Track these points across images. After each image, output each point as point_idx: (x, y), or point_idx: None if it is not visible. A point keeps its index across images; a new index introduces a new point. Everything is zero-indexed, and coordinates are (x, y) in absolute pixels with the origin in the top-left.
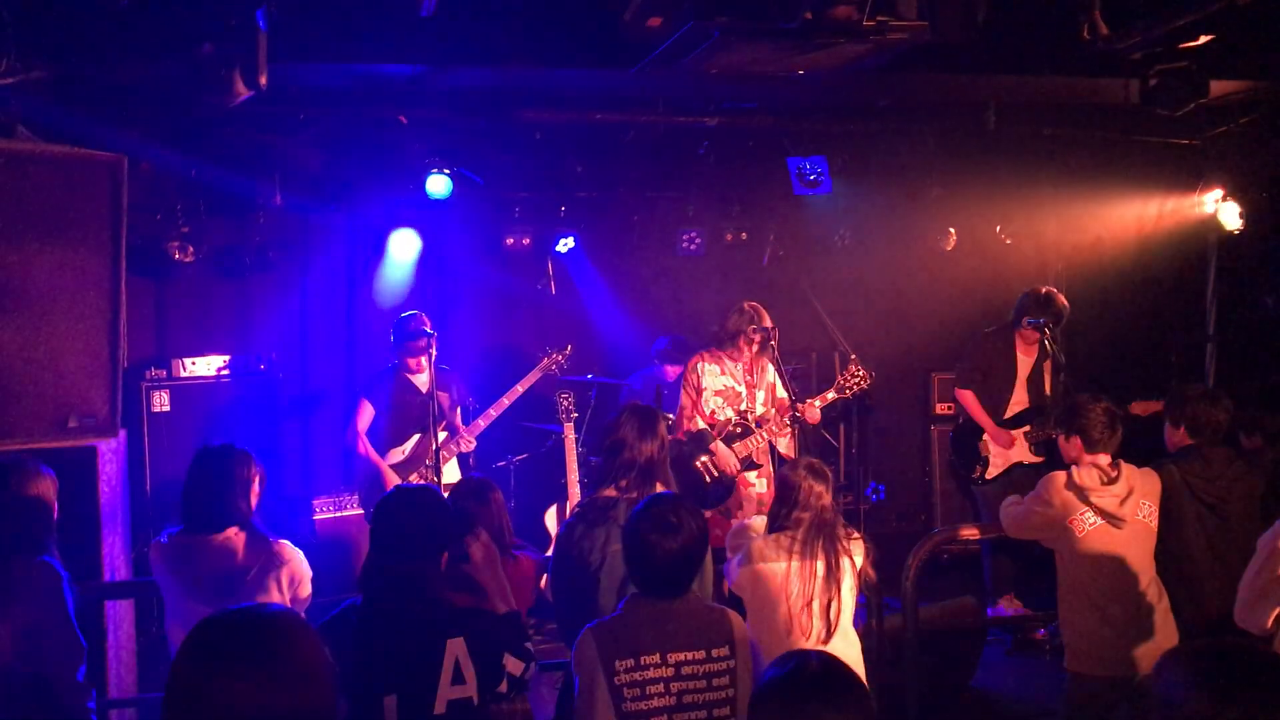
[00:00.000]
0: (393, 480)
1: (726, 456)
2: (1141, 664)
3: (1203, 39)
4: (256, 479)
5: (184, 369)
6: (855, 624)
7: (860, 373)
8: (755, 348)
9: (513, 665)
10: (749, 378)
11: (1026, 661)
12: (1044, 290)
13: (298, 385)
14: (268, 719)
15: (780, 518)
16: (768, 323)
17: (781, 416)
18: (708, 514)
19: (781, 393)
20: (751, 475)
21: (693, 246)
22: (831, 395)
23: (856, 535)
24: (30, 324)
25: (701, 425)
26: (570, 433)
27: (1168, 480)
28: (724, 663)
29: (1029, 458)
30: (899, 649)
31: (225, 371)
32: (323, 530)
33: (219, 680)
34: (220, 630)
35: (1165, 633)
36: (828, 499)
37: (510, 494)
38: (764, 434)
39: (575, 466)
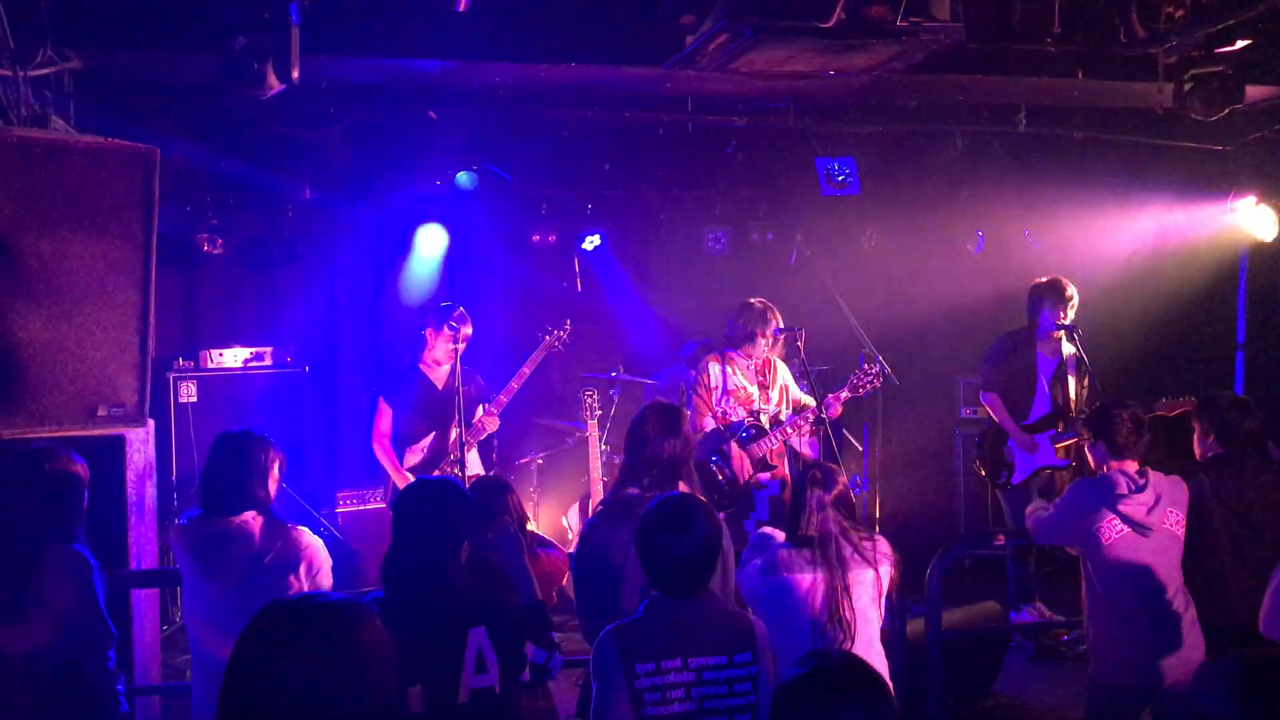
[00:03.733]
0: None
1: (740, 459)
2: (1167, 674)
3: (1239, 44)
4: (276, 465)
5: (211, 360)
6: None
7: (873, 370)
8: (767, 344)
9: (535, 654)
10: (761, 378)
11: (1050, 668)
12: (1048, 278)
13: (324, 378)
14: (329, 705)
15: (795, 529)
16: (778, 319)
17: (799, 416)
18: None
19: (797, 393)
20: (764, 477)
21: (719, 245)
22: (845, 394)
23: (878, 537)
24: (62, 313)
25: (715, 425)
26: (593, 430)
27: (1196, 489)
28: (746, 668)
29: (1055, 462)
30: (921, 653)
31: (252, 363)
32: (346, 523)
33: (281, 664)
34: (286, 615)
35: (1192, 643)
36: (829, 506)
37: (533, 491)
38: (778, 435)
39: (598, 464)
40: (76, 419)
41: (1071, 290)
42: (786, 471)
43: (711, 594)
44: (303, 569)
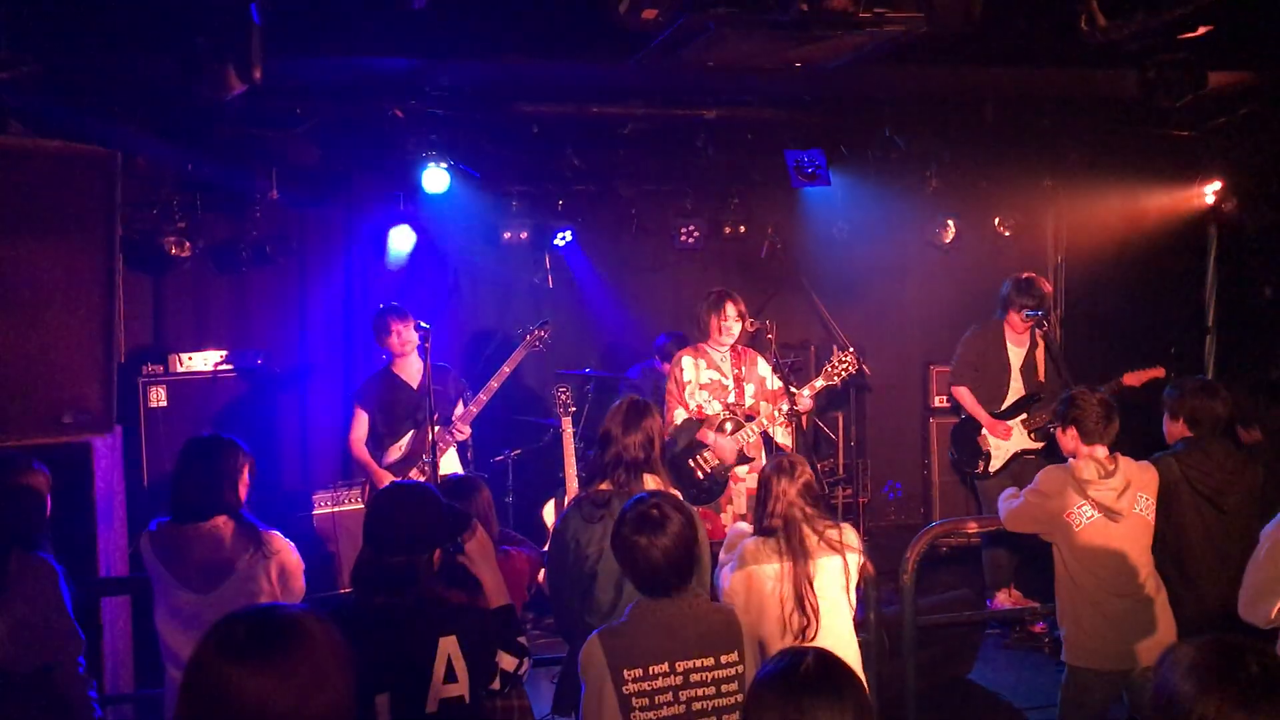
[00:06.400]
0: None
1: (723, 446)
2: (1140, 658)
3: (1201, 30)
4: (245, 469)
5: (181, 364)
6: (855, 615)
7: (848, 358)
8: (729, 328)
9: (506, 662)
10: (736, 370)
11: (1025, 655)
12: (1025, 275)
13: (295, 380)
14: (286, 717)
15: (762, 519)
16: (737, 304)
17: (774, 407)
18: (700, 510)
19: (774, 384)
20: (742, 470)
21: (691, 239)
22: (820, 383)
23: (844, 525)
24: (24, 320)
25: (686, 416)
26: (568, 426)
27: (1166, 473)
28: (733, 668)
29: (1029, 446)
30: (897, 642)
31: (223, 367)
32: (321, 525)
33: (239, 676)
34: (243, 626)
35: (1164, 627)
36: (794, 494)
37: (508, 488)
38: (755, 427)
39: (573, 460)
40: (41, 426)
41: (1046, 288)
42: (764, 464)
43: (695, 592)
44: (275, 573)
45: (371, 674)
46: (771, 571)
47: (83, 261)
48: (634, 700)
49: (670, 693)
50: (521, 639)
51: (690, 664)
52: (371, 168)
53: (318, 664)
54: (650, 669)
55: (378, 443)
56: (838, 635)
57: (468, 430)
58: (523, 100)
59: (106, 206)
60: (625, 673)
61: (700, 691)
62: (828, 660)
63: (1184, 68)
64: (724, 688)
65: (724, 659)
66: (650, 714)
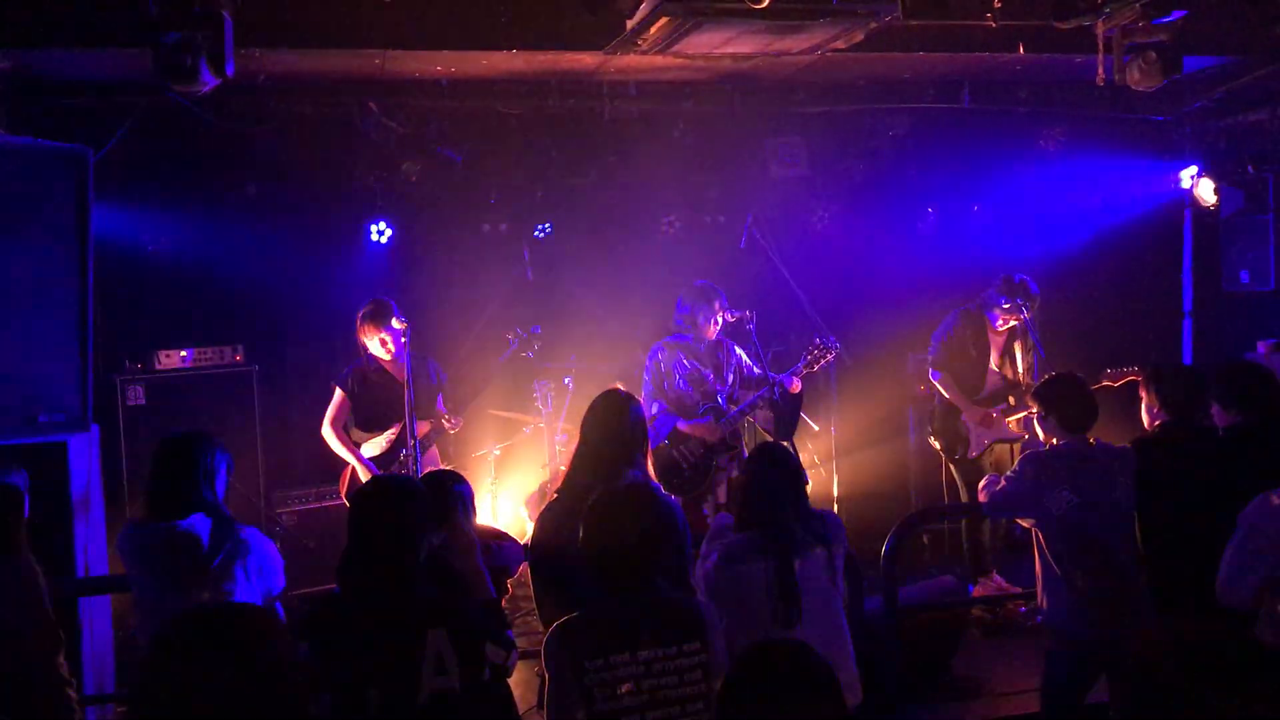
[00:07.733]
0: (365, 473)
1: (702, 436)
2: (1120, 642)
3: (1175, 14)
4: (223, 466)
5: (159, 362)
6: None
7: (827, 346)
8: (713, 324)
9: (494, 654)
10: (715, 360)
11: (1007, 640)
12: (1017, 278)
13: (274, 377)
14: (235, 714)
15: (744, 508)
16: (721, 298)
17: (756, 396)
18: (682, 501)
19: (753, 373)
20: (724, 459)
21: (671, 230)
22: (801, 370)
23: (826, 513)
24: None
25: (665, 410)
26: (549, 420)
27: (1145, 458)
28: (695, 657)
29: (1008, 434)
30: (879, 629)
31: (201, 364)
32: (301, 521)
33: (187, 675)
34: (191, 626)
35: (1145, 611)
36: (775, 483)
37: (491, 483)
38: (735, 416)
39: (554, 454)
40: (16, 426)
41: (1034, 295)
42: (745, 453)
43: (658, 584)
44: (253, 570)
45: (362, 669)
46: (758, 571)
47: (56, 259)
48: (595, 691)
49: (632, 682)
50: (508, 632)
51: (653, 654)
52: (348, 161)
53: (264, 661)
54: (611, 658)
55: (358, 436)
56: (825, 625)
57: (459, 422)
58: (499, 91)
59: (79, 204)
60: (586, 663)
61: (662, 680)
62: (799, 654)
63: (1158, 52)
64: (686, 676)
65: (686, 648)
66: (613, 704)
